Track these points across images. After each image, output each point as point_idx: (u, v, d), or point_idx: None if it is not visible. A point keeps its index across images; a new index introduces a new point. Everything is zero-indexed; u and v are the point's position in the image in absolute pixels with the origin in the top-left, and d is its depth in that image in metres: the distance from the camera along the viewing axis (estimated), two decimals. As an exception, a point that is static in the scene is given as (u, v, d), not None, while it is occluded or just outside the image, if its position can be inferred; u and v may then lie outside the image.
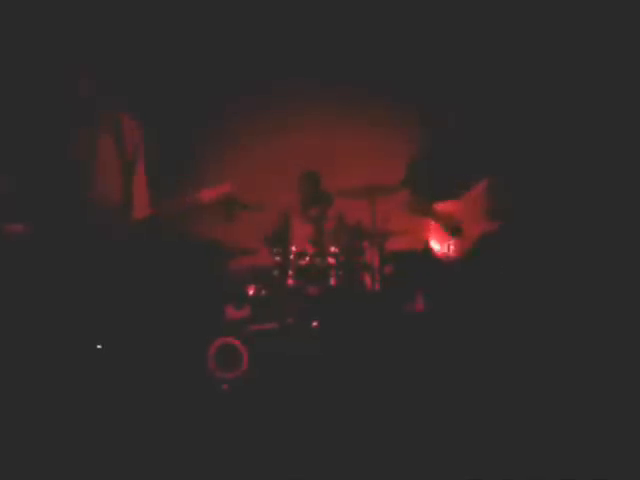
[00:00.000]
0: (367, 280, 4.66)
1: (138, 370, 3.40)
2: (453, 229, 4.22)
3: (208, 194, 3.05)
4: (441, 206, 4.33)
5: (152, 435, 3.19)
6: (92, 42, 3.02)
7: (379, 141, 5.25)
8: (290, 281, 4.53)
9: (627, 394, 3.48)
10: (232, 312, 4.55)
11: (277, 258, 4.56)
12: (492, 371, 3.83)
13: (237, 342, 4.19)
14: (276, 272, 4.56)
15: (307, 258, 4.54)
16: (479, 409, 3.48)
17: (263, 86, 5.28)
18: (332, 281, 4.55)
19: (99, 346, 3.12)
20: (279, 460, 3.05)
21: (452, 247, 4.18)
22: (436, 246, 4.28)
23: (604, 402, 3.44)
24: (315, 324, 4.42)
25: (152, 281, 3.67)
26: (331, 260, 4.56)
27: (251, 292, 4.57)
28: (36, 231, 2.90)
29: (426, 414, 3.48)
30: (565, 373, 3.80)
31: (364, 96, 5.33)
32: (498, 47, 4.90)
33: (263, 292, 4.57)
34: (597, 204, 4.43)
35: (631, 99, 4.43)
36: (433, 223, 4.32)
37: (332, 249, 4.59)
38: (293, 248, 4.57)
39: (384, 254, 4.72)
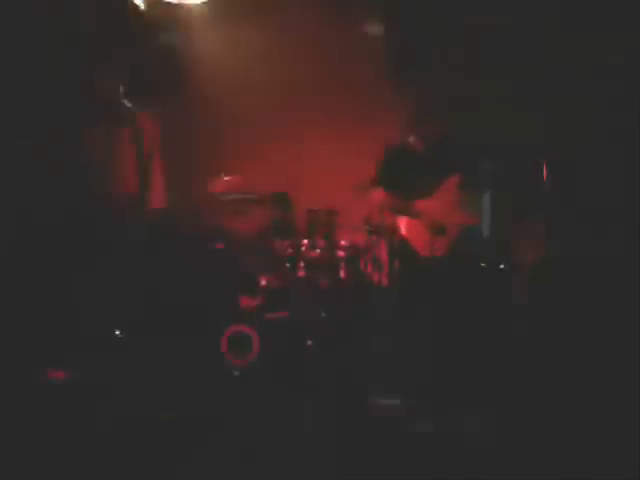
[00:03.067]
0: (375, 275, 4.79)
1: (155, 354, 3.59)
2: (437, 230, 4.30)
3: (221, 185, 3.23)
4: (420, 204, 4.43)
5: (165, 416, 3.34)
6: (113, 41, 3.19)
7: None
8: (301, 273, 4.68)
9: (616, 393, 3.55)
10: (246, 301, 4.70)
11: (290, 250, 4.71)
12: (487, 367, 3.94)
13: (249, 330, 4.36)
14: (288, 264, 4.72)
15: (318, 251, 4.70)
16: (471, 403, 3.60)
17: (275, 86, 5.39)
18: (341, 274, 4.70)
19: (118, 332, 3.32)
20: (286, 443, 3.21)
21: (436, 246, 4.28)
22: (417, 244, 4.38)
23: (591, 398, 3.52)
24: (324, 315, 4.57)
25: (169, 269, 3.86)
26: (341, 253, 4.71)
27: (264, 282, 4.72)
28: (57, 221, 3.09)
29: (425, 405, 3.61)
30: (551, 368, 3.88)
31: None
32: (469, 48, 4.98)
33: (275, 283, 4.73)
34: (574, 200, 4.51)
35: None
36: (411, 221, 4.42)
37: (342, 242, 4.74)
38: (305, 241, 4.72)
39: (394, 250, 4.83)
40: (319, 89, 5.36)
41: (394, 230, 4.75)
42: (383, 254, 4.77)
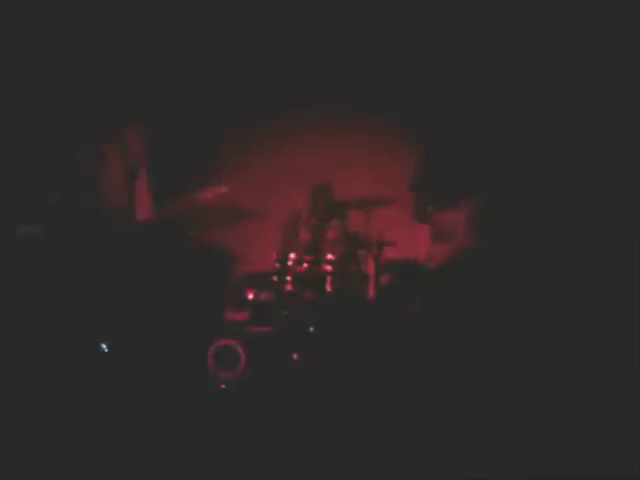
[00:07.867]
0: (364, 288, 4.80)
1: (140, 368, 3.57)
2: (450, 236, 4.39)
3: (205, 194, 3.24)
4: (442, 215, 4.50)
5: (152, 432, 3.32)
6: (103, 58, 3.21)
7: (377, 154, 5.36)
8: (289, 287, 4.68)
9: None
10: (232, 315, 4.69)
11: (276, 264, 4.71)
12: (485, 376, 3.94)
13: (236, 344, 4.34)
14: (275, 278, 4.71)
15: (305, 265, 4.70)
16: (472, 414, 3.59)
17: (267, 97, 5.40)
18: (328, 288, 4.70)
19: (104, 346, 3.30)
20: (274, 459, 3.19)
21: (436, 255, 4.35)
22: (420, 253, 4.44)
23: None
24: (312, 329, 4.57)
25: (155, 282, 3.85)
26: (327, 267, 4.71)
27: (251, 296, 4.71)
28: (47, 234, 3.09)
29: (420, 419, 3.60)
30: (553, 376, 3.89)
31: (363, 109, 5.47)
32: (494, 64, 5.00)
33: (262, 297, 4.72)
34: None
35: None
36: (423, 231, 4.50)
37: (329, 256, 4.74)
38: (292, 255, 4.72)
39: (380, 263, 4.85)
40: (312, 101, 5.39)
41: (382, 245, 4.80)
42: (370, 268, 4.79)
